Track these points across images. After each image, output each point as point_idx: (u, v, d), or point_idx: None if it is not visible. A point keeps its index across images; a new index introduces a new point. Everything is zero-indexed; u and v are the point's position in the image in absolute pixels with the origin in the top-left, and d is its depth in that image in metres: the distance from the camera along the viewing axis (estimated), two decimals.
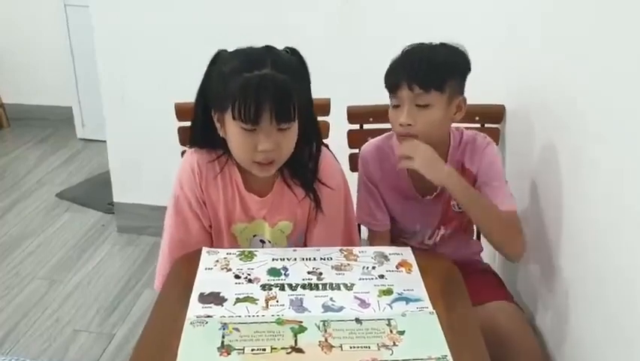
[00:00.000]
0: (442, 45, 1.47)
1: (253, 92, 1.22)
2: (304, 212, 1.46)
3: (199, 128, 1.40)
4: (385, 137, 1.61)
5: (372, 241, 1.63)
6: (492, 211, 1.45)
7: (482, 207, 1.45)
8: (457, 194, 1.43)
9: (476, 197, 1.45)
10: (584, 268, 1.34)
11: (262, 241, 1.48)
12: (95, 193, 3.29)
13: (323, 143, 1.47)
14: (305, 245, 1.50)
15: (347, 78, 2.26)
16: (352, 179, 1.61)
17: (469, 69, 1.48)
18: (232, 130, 1.30)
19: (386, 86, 1.47)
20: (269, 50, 1.31)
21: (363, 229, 1.69)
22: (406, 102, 1.42)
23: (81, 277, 2.61)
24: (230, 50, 1.37)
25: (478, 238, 1.76)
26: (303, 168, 1.41)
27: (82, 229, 2.99)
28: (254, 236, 1.47)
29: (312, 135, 1.42)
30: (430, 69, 1.41)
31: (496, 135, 1.80)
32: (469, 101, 1.51)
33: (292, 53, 1.35)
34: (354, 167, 1.72)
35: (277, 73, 1.24)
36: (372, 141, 1.63)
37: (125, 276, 2.62)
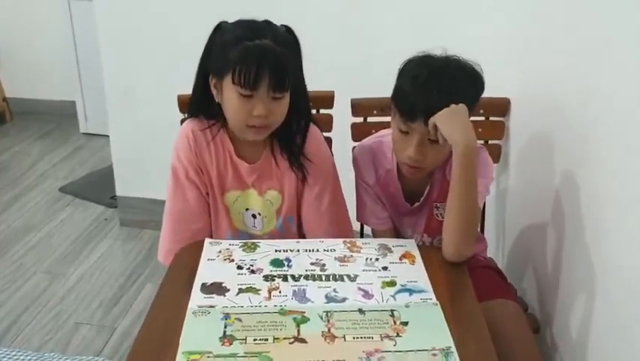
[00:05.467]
0: (460, 69, 1.36)
1: (254, 59, 1.30)
2: (292, 185, 1.51)
3: (198, 95, 1.46)
4: (378, 140, 1.55)
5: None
6: (475, 203, 1.35)
7: (472, 191, 1.33)
8: (460, 161, 1.30)
9: (473, 179, 1.33)
10: (592, 266, 1.32)
11: (254, 216, 1.53)
12: (97, 187, 3.29)
13: (314, 121, 1.52)
14: (299, 232, 1.55)
15: (351, 71, 2.25)
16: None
17: (483, 91, 1.39)
18: (229, 95, 1.36)
19: (396, 106, 1.39)
20: (268, 23, 1.39)
21: (367, 229, 1.67)
22: (417, 135, 1.35)
23: (83, 271, 2.60)
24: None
25: (482, 231, 1.75)
26: (291, 141, 1.47)
27: (84, 223, 2.99)
28: (246, 210, 1.52)
29: (303, 110, 1.48)
30: (449, 105, 1.30)
31: (501, 128, 1.79)
32: None
33: (287, 30, 1.42)
34: None
35: (276, 45, 1.32)
36: (364, 144, 1.58)
37: (127, 270, 2.62)
